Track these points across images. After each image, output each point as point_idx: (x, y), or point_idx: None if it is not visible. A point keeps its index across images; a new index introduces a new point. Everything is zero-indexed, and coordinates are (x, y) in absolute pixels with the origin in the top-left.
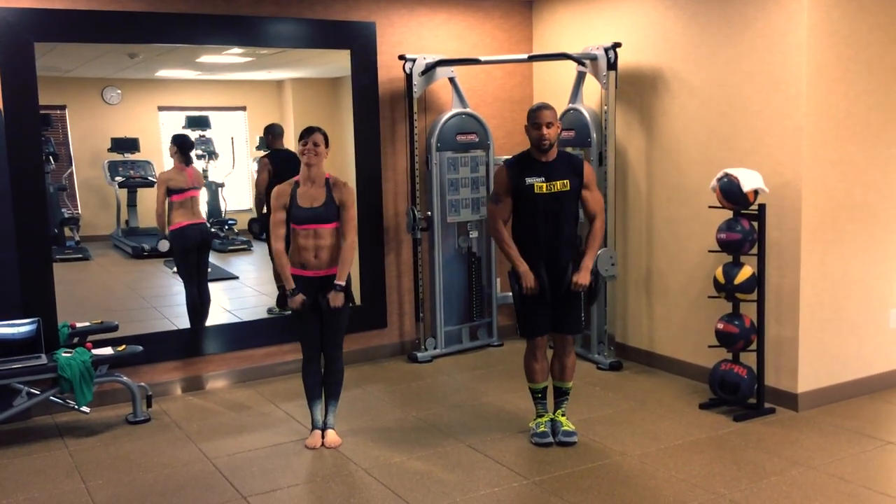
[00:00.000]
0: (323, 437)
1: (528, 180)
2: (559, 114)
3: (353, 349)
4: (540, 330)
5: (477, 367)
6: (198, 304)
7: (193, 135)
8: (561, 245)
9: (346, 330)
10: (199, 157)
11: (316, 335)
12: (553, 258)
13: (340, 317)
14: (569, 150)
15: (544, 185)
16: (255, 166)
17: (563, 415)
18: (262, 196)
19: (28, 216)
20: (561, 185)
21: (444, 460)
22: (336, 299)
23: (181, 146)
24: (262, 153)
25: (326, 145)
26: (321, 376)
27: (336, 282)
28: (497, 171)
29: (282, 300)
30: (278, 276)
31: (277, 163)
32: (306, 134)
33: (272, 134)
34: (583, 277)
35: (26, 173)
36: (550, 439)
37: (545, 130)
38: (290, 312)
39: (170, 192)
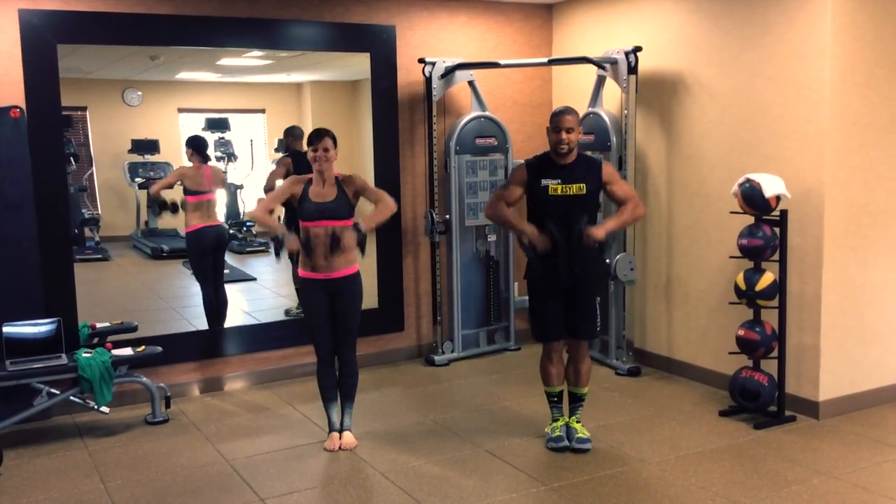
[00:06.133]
0: (340, 438)
1: (544, 182)
2: (579, 117)
3: (370, 352)
4: (554, 334)
5: (494, 371)
6: (214, 305)
7: (213, 136)
8: (575, 248)
9: (363, 333)
10: (218, 158)
11: (328, 338)
12: (567, 260)
13: (352, 319)
14: (588, 153)
15: (559, 187)
16: (274, 168)
17: (577, 421)
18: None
19: (50, 216)
20: (577, 188)
21: (461, 465)
22: (349, 238)
23: (196, 147)
24: (280, 155)
25: (335, 146)
26: (336, 379)
27: (358, 224)
28: (516, 167)
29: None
30: (275, 241)
31: (298, 163)
32: (316, 139)
33: (292, 136)
34: (597, 231)
35: (49, 174)
36: (565, 443)
37: (565, 135)
38: (302, 312)
39: (186, 191)
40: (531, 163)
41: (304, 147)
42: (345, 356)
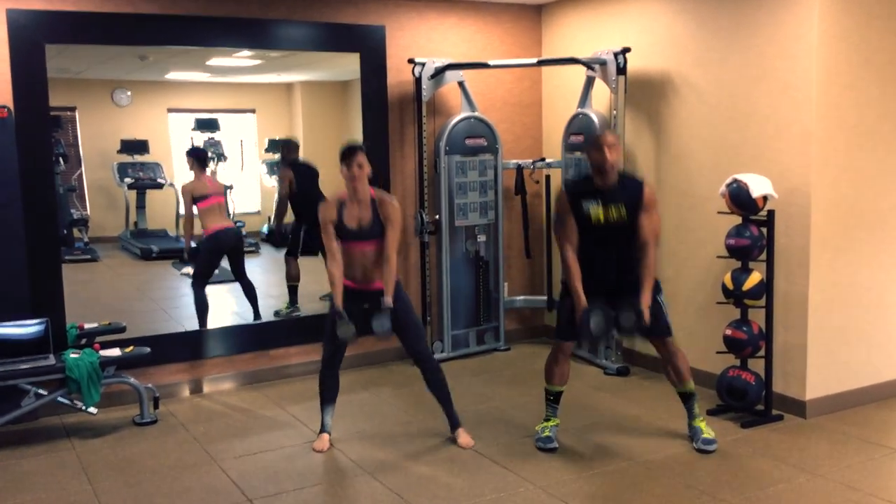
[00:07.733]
0: (456, 436)
1: (585, 205)
2: (568, 119)
3: (358, 352)
4: (570, 336)
5: (484, 372)
6: (206, 305)
7: (203, 136)
8: (619, 271)
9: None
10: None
11: (344, 344)
12: (612, 284)
13: (412, 319)
14: (577, 155)
15: (600, 210)
16: (263, 168)
17: (702, 420)
18: (284, 206)
19: (38, 217)
20: (616, 210)
21: (450, 465)
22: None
23: (197, 157)
24: (270, 155)
25: (368, 160)
26: (337, 381)
27: (385, 303)
28: (557, 196)
29: (331, 324)
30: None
31: (298, 174)
32: (349, 156)
33: (287, 148)
34: (647, 313)
35: (37, 174)
36: (555, 444)
37: (607, 152)
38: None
39: (195, 199)
40: (570, 188)
41: (300, 156)
42: (423, 353)
